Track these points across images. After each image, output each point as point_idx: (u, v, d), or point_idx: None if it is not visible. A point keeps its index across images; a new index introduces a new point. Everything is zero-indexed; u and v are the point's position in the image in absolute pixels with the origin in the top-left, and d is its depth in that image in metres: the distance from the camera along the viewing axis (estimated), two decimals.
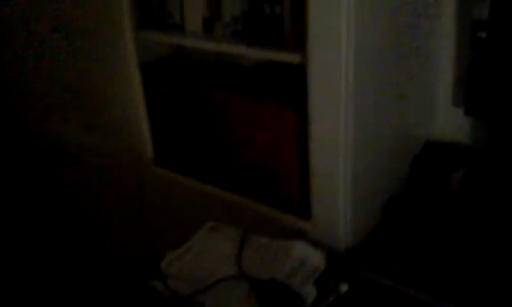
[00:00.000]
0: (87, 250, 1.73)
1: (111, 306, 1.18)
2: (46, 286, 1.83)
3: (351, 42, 0.85)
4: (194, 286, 0.88)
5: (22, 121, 1.69)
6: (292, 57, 0.96)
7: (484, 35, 1.06)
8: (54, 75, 1.46)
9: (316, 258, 0.91)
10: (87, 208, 1.62)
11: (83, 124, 1.45)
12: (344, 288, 0.86)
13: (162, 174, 1.29)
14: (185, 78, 1.20)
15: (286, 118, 1.03)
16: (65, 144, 1.55)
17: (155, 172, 1.31)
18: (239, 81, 1.16)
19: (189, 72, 1.23)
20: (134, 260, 1.48)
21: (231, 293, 0.87)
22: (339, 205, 0.97)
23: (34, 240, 1.89)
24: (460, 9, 1.15)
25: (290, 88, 1.07)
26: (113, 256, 1.63)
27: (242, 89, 1.12)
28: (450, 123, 1.23)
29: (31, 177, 1.81)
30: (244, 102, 1.09)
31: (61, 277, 1.84)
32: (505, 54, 1.04)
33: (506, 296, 0.88)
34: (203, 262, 0.93)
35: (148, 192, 1.36)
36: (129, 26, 1.17)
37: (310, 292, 0.85)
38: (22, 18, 1.47)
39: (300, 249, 0.94)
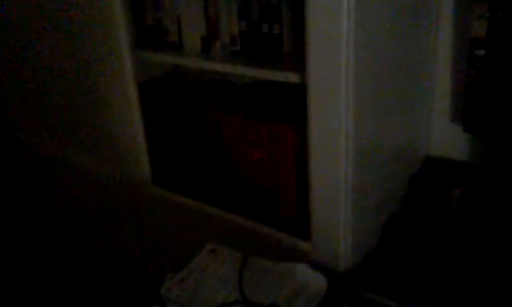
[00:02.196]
0: (85, 272, 1.71)
1: None
2: None
3: (350, 61, 0.85)
4: None
5: (16, 137, 1.69)
6: (292, 77, 0.95)
7: (482, 53, 1.07)
8: (51, 94, 1.45)
9: (318, 281, 0.91)
10: (84, 228, 1.60)
11: (80, 143, 1.45)
12: None
13: (160, 193, 1.28)
14: (182, 97, 1.20)
15: (284, 136, 1.03)
16: (62, 163, 1.54)
17: (153, 191, 1.30)
18: (236, 100, 1.16)
19: (187, 91, 1.23)
20: (133, 283, 1.47)
21: None
22: (339, 225, 0.97)
23: (30, 262, 1.88)
24: (458, 26, 1.15)
25: (288, 106, 1.07)
26: (112, 279, 1.61)
27: (239, 108, 1.11)
28: (449, 140, 1.24)
29: (25, 197, 1.79)
30: (242, 121, 1.08)
31: (59, 300, 1.82)
32: (503, 72, 1.05)
33: None
34: (204, 287, 0.92)
35: (146, 211, 1.35)
36: (127, 46, 1.17)
37: None
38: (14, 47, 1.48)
39: (302, 272, 0.93)
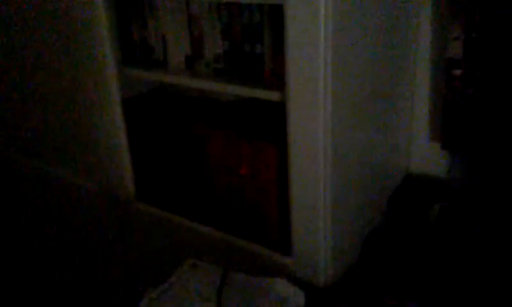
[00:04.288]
0: (67, 287, 1.70)
1: None
2: None
3: (328, 80, 0.86)
4: None
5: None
6: (272, 95, 0.97)
7: (458, 72, 1.09)
8: (35, 110, 1.45)
9: (296, 296, 0.91)
10: (67, 242, 1.60)
11: (64, 158, 1.45)
12: None
13: (143, 208, 1.29)
14: (166, 114, 1.21)
15: (266, 153, 1.04)
16: (45, 178, 1.54)
17: (136, 206, 1.30)
18: (219, 117, 1.18)
19: (171, 107, 1.24)
20: (115, 297, 1.46)
21: None
22: (319, 240, 0.97)
23: (14, 278, 1.86)
24: (436, 47, 1.18)
25: (270, 124, 1.09)
26: (93, 292, 1.60)
27: (222, 125, 1.13)
28: (428, 157, 1.26)
29: (9, 212, 1.78)
30: (225, 138, 1.10)
31: None
32: (479, 91, 1.07)
33: None
34: (183, 302, 0.92)
35: (129, 226, 1.35)
36: (113, 63, 1.18)
37: None
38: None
39: (280, 287, 0.94)
